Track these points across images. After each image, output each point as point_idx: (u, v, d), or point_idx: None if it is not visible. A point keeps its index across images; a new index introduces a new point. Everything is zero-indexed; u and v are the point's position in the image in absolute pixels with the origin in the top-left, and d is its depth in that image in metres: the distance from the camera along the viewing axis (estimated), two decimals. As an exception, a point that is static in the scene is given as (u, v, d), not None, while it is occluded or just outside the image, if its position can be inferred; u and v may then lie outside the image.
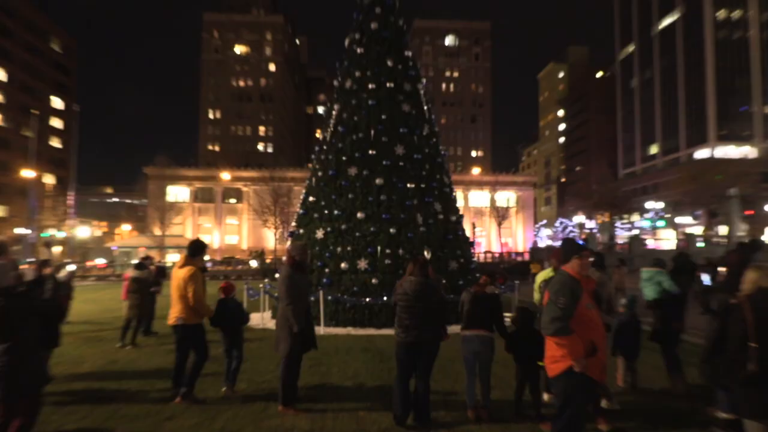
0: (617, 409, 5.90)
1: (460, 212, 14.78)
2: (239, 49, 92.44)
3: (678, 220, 65.12)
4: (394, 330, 5.49)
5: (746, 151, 75.41)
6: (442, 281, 9.13)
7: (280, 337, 6.02)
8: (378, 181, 13.02)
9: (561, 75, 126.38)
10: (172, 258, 59.11)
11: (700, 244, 43.35)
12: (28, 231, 51.96)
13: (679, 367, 6.88)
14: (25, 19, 77.24)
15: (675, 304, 7.19)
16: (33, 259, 25.38)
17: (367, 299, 12.03)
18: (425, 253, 12.70)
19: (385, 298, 11.71)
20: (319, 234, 12.94)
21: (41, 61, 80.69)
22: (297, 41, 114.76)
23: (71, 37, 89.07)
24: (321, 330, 11.14)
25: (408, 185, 13.12)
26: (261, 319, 13.40)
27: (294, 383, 6.13)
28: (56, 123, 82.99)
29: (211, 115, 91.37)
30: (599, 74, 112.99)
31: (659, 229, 66.94)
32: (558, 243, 67.93)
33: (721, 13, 76.94)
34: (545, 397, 6.02)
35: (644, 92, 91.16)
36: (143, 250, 54.55)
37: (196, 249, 6.46)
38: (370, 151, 13.23)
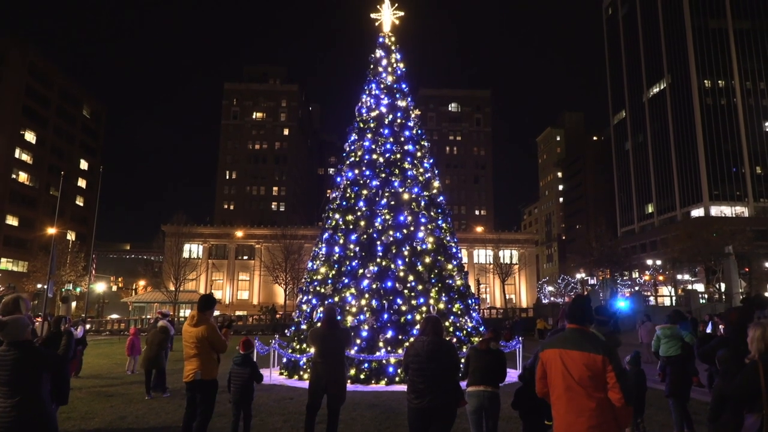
0: None
1: (465, 269, 15.92)
2: (256, 115, 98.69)
3: (677, 276, 66.69)
4: (407, 395, 5.09)
5: (740, 210, 78.11)
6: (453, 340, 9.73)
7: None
8: (384, 238, 13.84)
9: (558, 138, 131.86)
10: (185, 313, 61.03)
11: (702, 301, 44.44)
12: (47, 286, 53.79)
13: (690, 425, 6.88)
14: (60, 88, 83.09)
15: (692, 359, 7.17)
16: (41, 314, 25.83)
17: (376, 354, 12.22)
18: (433, 306, 13.29)
19: (392, 357, 11.99)
20: (328, 290, 13.62)
21: (72, 126, 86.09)
22: (310, 108, 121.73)
23: (101, 104, 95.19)
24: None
25: (414, 244, 14.12)
26: (270, 375, 13.37)
27: None
28: (81, 182, 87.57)
29: (227, 176, 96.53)
30: (594, 138, 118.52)
31: (659, 286, 68.25)
32: (562, 300, 68.98)
33: (707, 82, 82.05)
34: None
35: (638, 155, 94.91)
36: (157, 305, 56.63)
37: (206, 303, 6.45)
38: (378, 212, 14.38)
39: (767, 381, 3.69)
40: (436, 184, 16.33)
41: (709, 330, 16.99)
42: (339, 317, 12.98)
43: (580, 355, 3.46)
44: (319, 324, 8.40)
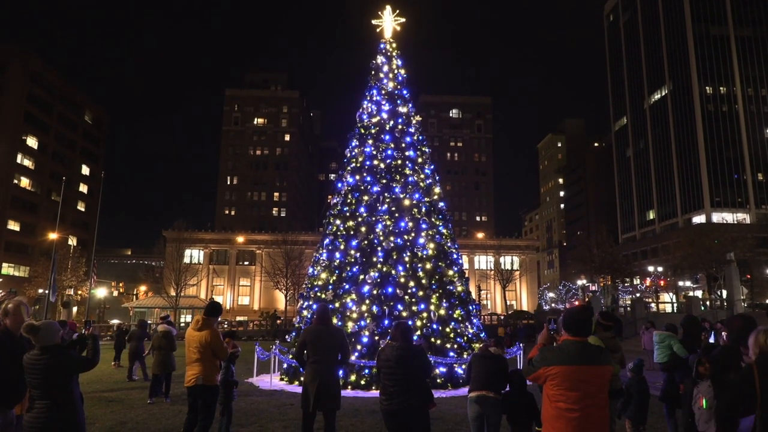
0: None
1: (466, 275, 15.85)
2: (257, 121, 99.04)
3: (679, 283, 66.46)
4: (379, 398, 5.30)
5: (741, 217, 77.95)
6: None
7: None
8: (385, 244, 13.84)
9: (559, 145, 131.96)
10: (186, 318, 60.93)
11: (703, 308, 44.14)
12: (48, 291, 53.74)
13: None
14: (62, 94, 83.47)
15: (684, 367, 7.14)
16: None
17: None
18: (433, 313, 13.30)
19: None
20: (329, 295, 13.65)
21: (73, 132, 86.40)
22: (311, 114, 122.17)
23: (102, 110, 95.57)
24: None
25: (415, 250, 14.17)
26: (270, 381, 13.46)
27: None
28: (82, 188, 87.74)
29: (228, 182, 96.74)
30: (596, 144, 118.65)
31: (660, 293, 67.97)
32: (563, 306, 68.66)
33: (709, 88, 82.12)
34: None
35: (639, 161, 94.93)
36: (158, 311, 56.61)
37: (212, 309, 6.56)
38: (379, 218, 14.44)
39: (762, 383, 3.78)
40: (437, 190, 16.31)
41: (711, 340, 16.98)
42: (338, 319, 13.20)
43: (599, 369, 3.58)
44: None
